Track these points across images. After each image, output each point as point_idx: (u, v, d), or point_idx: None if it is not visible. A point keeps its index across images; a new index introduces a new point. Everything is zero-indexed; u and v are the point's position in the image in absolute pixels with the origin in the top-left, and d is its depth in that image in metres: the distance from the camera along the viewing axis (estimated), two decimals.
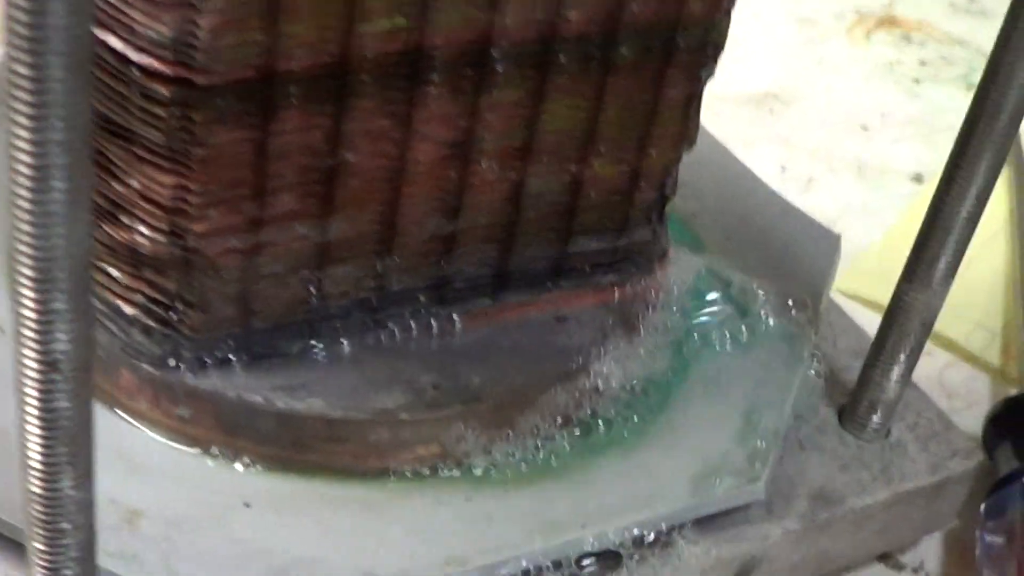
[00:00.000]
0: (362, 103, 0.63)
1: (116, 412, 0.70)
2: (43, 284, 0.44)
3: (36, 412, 0.48)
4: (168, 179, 0.62)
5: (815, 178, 1.11)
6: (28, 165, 0.41)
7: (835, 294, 0.84)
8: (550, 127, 0.69)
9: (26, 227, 0.43)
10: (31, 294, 0.45)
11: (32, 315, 0.45)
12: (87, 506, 0.52)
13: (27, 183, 0.42)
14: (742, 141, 1.04)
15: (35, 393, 0.48)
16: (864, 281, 0.94)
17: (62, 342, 0.46)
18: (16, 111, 0.40)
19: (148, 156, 0.62)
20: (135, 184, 0.64)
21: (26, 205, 0.42)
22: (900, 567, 0.76)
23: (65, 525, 0.52)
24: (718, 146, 0.95)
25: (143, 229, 0.65)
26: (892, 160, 1.16)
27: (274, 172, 0.64)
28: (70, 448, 0.50)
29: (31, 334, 0.46)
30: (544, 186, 0.71)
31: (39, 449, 0.49)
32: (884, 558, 0.77)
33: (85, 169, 0.42)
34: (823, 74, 1.26)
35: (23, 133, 0.40)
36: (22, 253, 0.43)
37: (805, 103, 1.21)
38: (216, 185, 0.62)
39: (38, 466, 0.50)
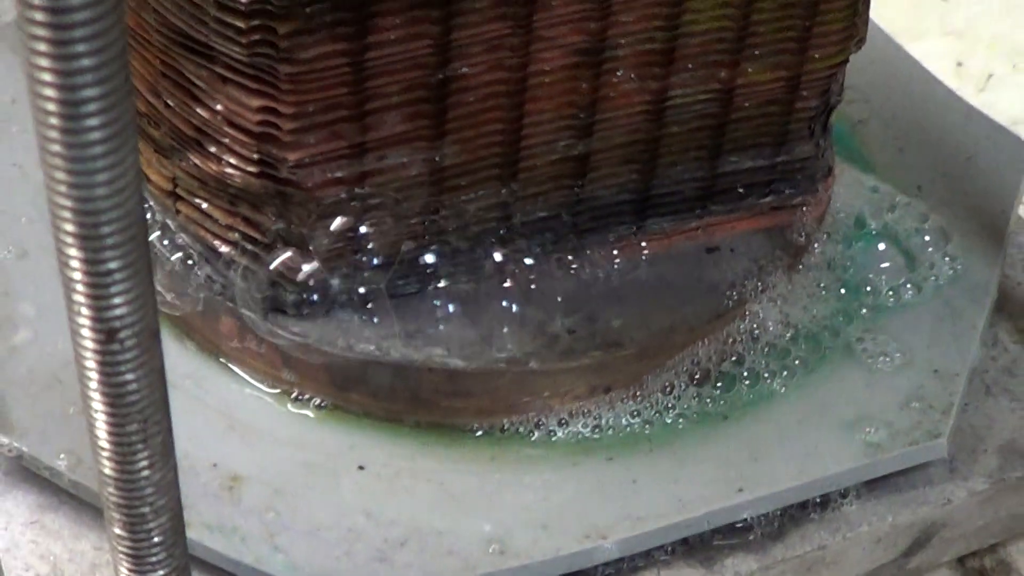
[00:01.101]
0: (474, 5, 0.57)
1: (217, 362, 0.66)
2: (90, 241, 0.39)
3: (98, 388, 0.43)
4: (254, 101, 0.57)
5: (995, 74, 1.03)
6: (53, 99, 0.35)
7: None
8: (695, 27, 0.62)
9: (62, 175, 0.37)
10: (77, 253, 0.39)
11: (81, 277, 0.40)
12: (168, 488, 0.48)
13: (55, 120, 0.35)
14: (910, 34, 0.97)
15: (95, 367, 0.42)
16: None
17: (119, 307, 0.40)
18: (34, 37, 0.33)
19: (230, 75, 0.57)
20: (219, 108, 0.59)
21: (57, 148, 0.36)
22: None
23: (144, 510, 0.47)
24: (886, 40, 0.86)
25: (231, 159, 0.60)
26: None
27: (375, 90, 0.58)
28: (141, 426, 0.44)
29: (83, 300, 0.40)
30: (689, 97, 0.65)
31: (107, 429, 0.44)
32: None
33: (123, 94, 0.35)
34: None
35: (43, 62, 0.34)
36: (62, 207, 0.38)
37: None
38: (309, 107, 0.57)
39: (108, 447, 0.45)
